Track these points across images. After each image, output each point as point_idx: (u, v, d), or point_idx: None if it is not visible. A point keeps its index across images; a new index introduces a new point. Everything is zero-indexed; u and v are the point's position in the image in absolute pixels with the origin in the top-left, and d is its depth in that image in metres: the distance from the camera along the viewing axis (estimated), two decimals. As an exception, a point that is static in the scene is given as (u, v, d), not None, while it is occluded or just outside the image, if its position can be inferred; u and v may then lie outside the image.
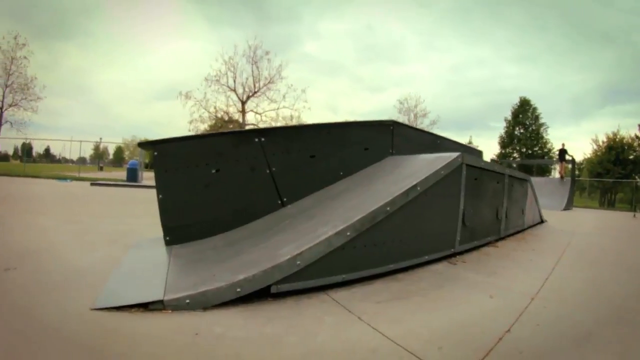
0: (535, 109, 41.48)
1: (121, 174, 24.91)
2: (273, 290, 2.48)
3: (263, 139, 4.35)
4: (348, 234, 2.77)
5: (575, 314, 2.56)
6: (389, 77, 72.39)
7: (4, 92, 26.63)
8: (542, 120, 41.03)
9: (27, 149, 28.04)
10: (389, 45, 73.84)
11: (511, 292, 2.97)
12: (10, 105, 26.93)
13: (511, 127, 41.98)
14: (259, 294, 2.48)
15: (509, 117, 42.48)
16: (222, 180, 4.08)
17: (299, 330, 2.06)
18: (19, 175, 19.28)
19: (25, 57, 26.89)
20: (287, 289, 2.52)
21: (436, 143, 6.34)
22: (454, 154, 4.15)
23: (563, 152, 18.89)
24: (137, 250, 3.79)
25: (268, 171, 4.31)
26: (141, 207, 8.20)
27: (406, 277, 3.20)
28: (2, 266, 2.97)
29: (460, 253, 4.20)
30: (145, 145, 3.93)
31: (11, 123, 27.17)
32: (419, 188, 3.36)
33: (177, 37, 73.70)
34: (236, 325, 2.09)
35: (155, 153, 3.88)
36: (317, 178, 4.55)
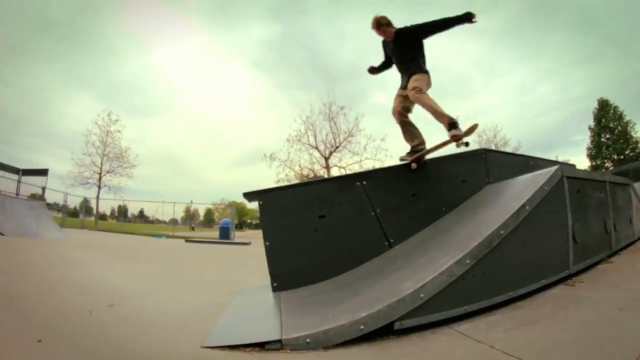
0: (616, 107, 37.91)
1: (212, 233, 26.73)
2: (396, 326, 2.43)
3: (365, 182, 4.39)
4: (467, 261, 2.69)
5: None
6: (459, 113, 69.37)
7: (102, 161, 30.59)
8: (626, 119, 37.25)
9: (123, 210, 31.29)
10: (454, 81, 71.73)
11: (642, 303, 2.64)
12: (107, 172, 30.87)
13: (597, 135, 38.62)
14: (380, 333, 2.43)
15: (592, 125, 39.19)
16: (327, 225, 4.13)
17: (433, 365, 1.98)
18: (117, 232, 21.40)
19: (118, 131, 31.31)
20: (411, 324, 2.46)
21: (529, 164, 5.98)
22: (553, 168, 3.89)
23: None
24: (244, 296, 3.94)
25: (373, 213, 4.28)
26: (237, 260, 8.49)
27: (525, 304, 2.98)
28: (107, 302, 3.06)
29: (575, 274, 3.84)
30: (250, 195, 4.12)
31: (109, 187, 31.14)
32: (527, 207, 3.20)
33: (251, 107, 79.65)
34: (363, 363, 2.03)
35: (261, 202, 4.08)
36: (420, 216, 4.42)
